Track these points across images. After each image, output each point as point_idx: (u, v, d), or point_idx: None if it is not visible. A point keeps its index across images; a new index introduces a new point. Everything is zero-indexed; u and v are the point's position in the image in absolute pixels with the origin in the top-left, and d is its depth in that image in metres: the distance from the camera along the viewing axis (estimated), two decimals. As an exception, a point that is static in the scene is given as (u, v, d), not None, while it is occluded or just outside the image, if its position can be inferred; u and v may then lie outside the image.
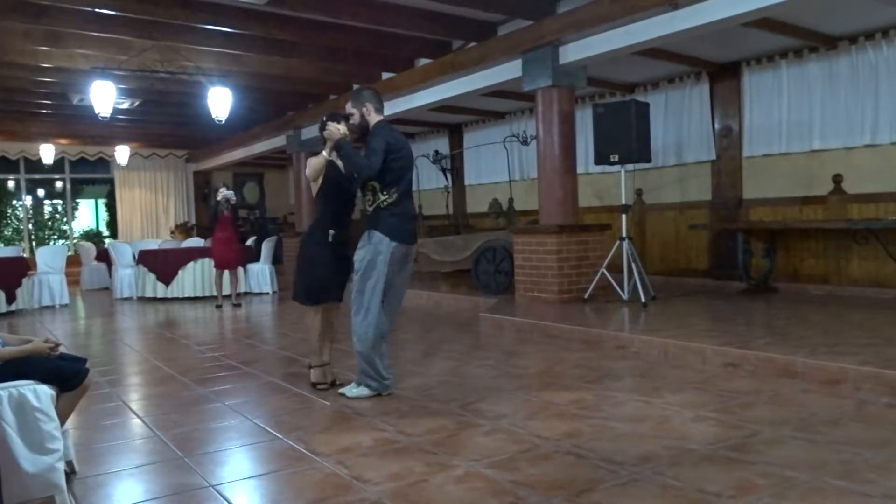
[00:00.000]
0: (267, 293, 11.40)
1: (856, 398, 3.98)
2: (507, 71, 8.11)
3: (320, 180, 4.59)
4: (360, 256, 4.35)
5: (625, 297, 7.41)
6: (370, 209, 4.37)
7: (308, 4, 7.26)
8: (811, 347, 4.83)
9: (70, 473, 3.05)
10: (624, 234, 7.52)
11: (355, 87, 4.79)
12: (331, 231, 4.57)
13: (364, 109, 4.47)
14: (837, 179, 7.87)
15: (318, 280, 4.61)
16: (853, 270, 7.73)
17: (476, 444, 3.38)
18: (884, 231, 6.98)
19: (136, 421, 4.14)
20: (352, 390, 4.43)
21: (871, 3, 6.52)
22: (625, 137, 7.28)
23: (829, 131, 7.89)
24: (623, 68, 8.90)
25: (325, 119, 4.56)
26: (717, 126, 9.09)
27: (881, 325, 5.78)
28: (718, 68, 8.90)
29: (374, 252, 4.30)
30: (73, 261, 13.57)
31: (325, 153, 4.52)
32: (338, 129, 4.42)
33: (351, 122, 4.49)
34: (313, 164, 4.58)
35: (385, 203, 4.33)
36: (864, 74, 7.55)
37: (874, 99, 7.47)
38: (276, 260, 12.33)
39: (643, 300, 7.16)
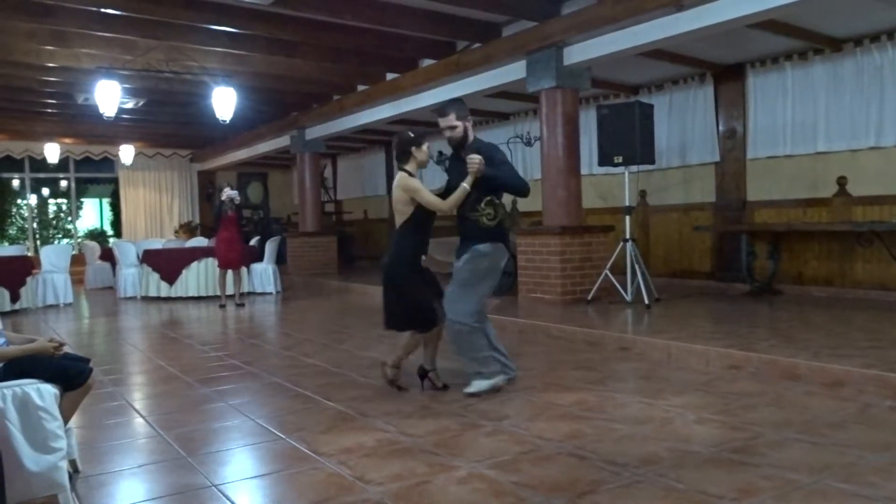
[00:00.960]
0: (270, 293, 11.41)
1: (859, 401, 3.97)
2: (512, 72, 8.11)
3: (411, 206, 4.33)
4: (484, 265, 4.33)
5: (628, 298, 7.40)
6: (491, 223, 4.31)
7: (312, 4, 7.28)
8: (815, 350, 4.82)
9: (73, 472, 3.05)
10: (627, 236, 7.52)
11: (458, 98, 4.79)
12: (423, 257, 4.50)
13: (468, 123, 4.44)
14: (842, 181, 7.86)
15: (429, 305, 4.39)
16: (857, 273, 7.71)
17: (478, 445, 3.37)
18: (888, 233, 6.97)
19: (140, 420, 4.15)
20: (477, 384, 4.32)
21: (875, 5, 6.51)
22: (629, 139, 7.28)
23: (833, 133, 7.87)
24: (627, 70, 8.90)
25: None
26: (721, 128, 9.08)
27: (885, 327, 5.76)
28: (723, 70, 8.89)
29: (495, 263, 4.38)
30: (78, 260, 13.60)
31: (466, 185, 4.18)
32: (482, 160, 4.16)
33: (451, 134, 4.41)
34: (458, 199, 4.23)
35: (504, 217, 4.41)
36: (868, 77, 7.53)
37: (879, 101, 7.45)
38: (280, 260, 12.34)
39: (647, 302, 7.15)
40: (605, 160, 7.53)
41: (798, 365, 4.51)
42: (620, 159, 7.34)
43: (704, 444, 3.31)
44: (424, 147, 4.36)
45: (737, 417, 3.73)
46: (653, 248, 9.88)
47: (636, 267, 7.36)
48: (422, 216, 4.35)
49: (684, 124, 9.44)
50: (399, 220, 4.37)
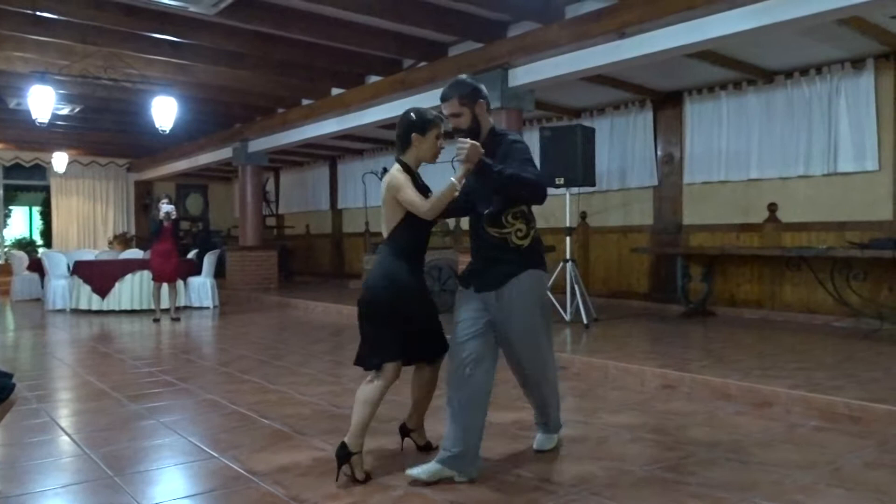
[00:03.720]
0: (208, 307, 11.16)
1: (786, 421, 4.10)
2: (487, 107, 8.17)
3: (401, 210, 3.25)
4: (529, 302, 3.31)
5: (567, 318, 7.50)
6: (523, 241, 3.29)
7: (259, 16, 7.20)
8: (745, 371, 4.97)
9: (-9, 493, 2.92)
10: (568, 256, 7.63)
11: (465, 77, 3.43)
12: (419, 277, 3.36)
13: (478, 109, 3.32)
14: (772, 208, 8.15)
15: (433, 321, 3.42)
16: (786, 296, 7.99)
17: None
18: (814, 259, 7.25)
19: (65, 438, 3.99)
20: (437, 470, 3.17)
21: (805, 41, 6.81)
22: (571, 161, 7.41)
23: (765, 161, 8.17)
24: (570, 93, 9.07)
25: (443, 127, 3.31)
26: (659, 153, 9.33)
27: (811, 349, 5.98)
28: (662, 97, 9.15)
29: (536, 295, 3.35)
30: (4, 270, 13.08)
31: (455, 180, 3.12)
32: (474, 145, 3.10)
33: (456, 124, 3.33)
34: (442, 199, 3.14)
35: (537, 233, 3.41)
36: (798, 108, 7.86)
37: (807, 132, 7.77)
38: (219, 274, 12.10)
39: (585, 321, 7.26)
40: (546, 181, 7.63)
41: (729, 385, 4.64)
42: (562, 181, 7.46)
43: (638, 462, 3.37)
44: (431, 136, 3.27)
45: (670, 436, 3.80)
46: (592, 269, 10.05)
47: (576, 287, 7.47)
48: (417, 221, 3.24)
49: (624, 148, 9.66)
50: (387, 229, 3.30)
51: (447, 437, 3.19)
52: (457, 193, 3.16)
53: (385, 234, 3.32)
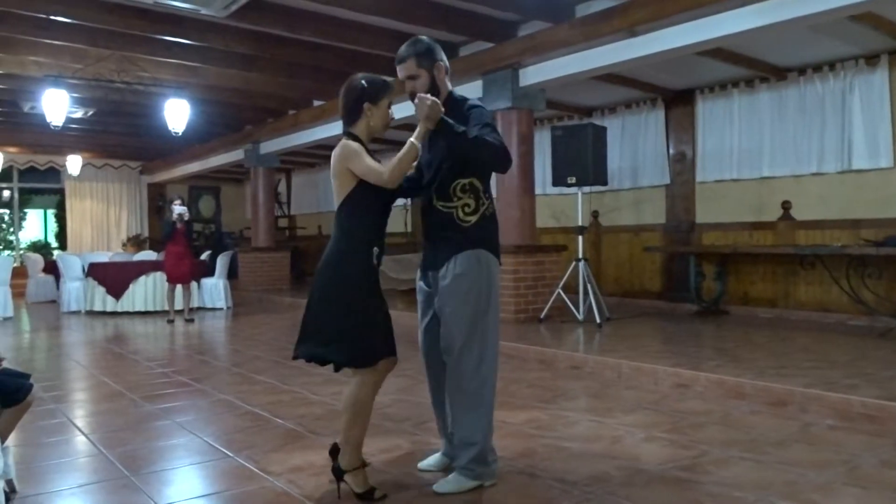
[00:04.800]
0: (221, 308, 11.21)
1: (801, 420, 4.07)
2: (468, 91, 8.12)
3: (353, 180, 2.92)
4: (464, 286, 2.98)
5: (580, 317, 7.49)
6: (469, 218, 3.01)
7: (269, 18, 7.23)
8: (759, 370, 4.94)
9: (10, 493, 2.94)
10: (580, 256, 7.61)
11: (422, 37, 3.20)
12: (375, 249, 2.95)
13: (435, 71, 3.06)
14: (786, 206, 8.10)
15: (384, 320, 3.01)
16: (800, 295, 7.94)
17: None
18: (829, 257, 7.21)
19: (81, 438, 4.02)
20: (460, 482, 3.01)
21: (817, 37, 6.77)
22: (582, 160, 7.40)
23: (778, 159, 8.13)
24: (581, 92, 9.06)
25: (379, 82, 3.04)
26: (671, 151, 9.29)
27: (826, 348, 5.94)
28: (673, 95, 9.11)
29: (487, 277, 3.03)
30: (19, 272, 13.17)
31: (414, 139, 2.87)
32: (435, 101, 2.84)
33: (412, 88, 3.05)
34: (403, 162, 2.86)
35: (490, 210, 3.09)
36: (811, 105, 7.81)
37: (820, 129, 7.72)
38: (232, 275, 12.16)
39: (598, 321, 7.24)
40: (558, 181, 7.64)
41: (743, 384, 4.62)
42: (574, 180, 7.46)
43: (653, 462, 3.36)
44: (383, 104, 3.00)
45: (684, 436, 3.79)
46: (604, 268, 10.03)
47: (588, 286, 7.46)
48: (371, 193, 2.92)
49: (636, 147, 9.64)
50: (336, 203, 2.99)
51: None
52: (419, 155, 2.90)
53: (336, 210, 3.01)
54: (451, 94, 3.13)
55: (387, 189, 2.92)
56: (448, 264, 3.00)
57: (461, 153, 2.93)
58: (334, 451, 2.98)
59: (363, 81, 3.00)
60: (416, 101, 2.87)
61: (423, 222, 3.19)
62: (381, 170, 2.86)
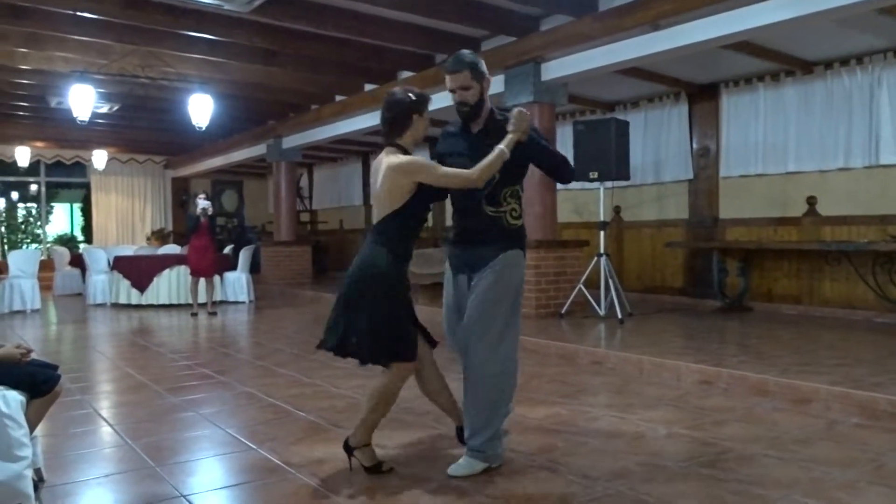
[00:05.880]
0: (243, 302, 11.31)
1: (826, 417, 4.03)
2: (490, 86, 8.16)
3: (407, 195, 3.08)
4: (504, 281, 3.16)
5: (601, 313, 7.45)
6: (515, 222, 3.23)
7: (292, 14, 7.27)
8: (783, 367, 4.89)
9: (38, 481, 2.99)
10: (602, 251, 7.58)
11: (468, 52, 3.29)
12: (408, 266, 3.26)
13: (485, 84, 3.21)
14: (811, 201, 8.00)
15: (412, 321, 3.26)
16: (825, 291, 7.84)
17: (450, 458, 3.36)
18: (855, 253, 7.11)
19: (107, 429, 4.08)
20: (471, 464, 3.17)
21: (844, 31, 6.67)
22: (604, 155, 7.36)
23: (803, 154, 8.02)
24: (604, 87, 9.00)
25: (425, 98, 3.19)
26: (695, 146, 9.21)
27: (851, 345, 5.87)
28: (697, 89, 9.02)
29: (521, 275, 3.28)
30: (46, 265, 13.38)
31: (504, 147, 3.04)
32: (528, 114, 3.14)
33: (463, 98, 3.17)
34: (492, 166, 3.02)
35: (523, 214, 3.34)
36: (838, 99, 7.69)
37: (847, 123, 7.61)
38: (254, 269, 12.25)
39: (619, 316, 7.21)
40: (580, 175, 7.58)
41: (767, 381, 4.57)
42: (596, 175, 7.42)
43: (674, 458, 3.34)
44: (426, 114, 3.20)
45: (707, 432, 3.76)
46: (626, 264, 9.96)
47: (610, 282, 7.42)
48: (419, 208, 3.17)
49: (659, 142, 9.56)
50: (382, 213, 3.15)
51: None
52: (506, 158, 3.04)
53: (378, 219, 3.17)
54: (491, 108, 3.30)
55: (434, 200, 3.21)
56: (493, 264, 3.15)
57: (543, 164, 3.27)
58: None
59: (410, 94, 3.16)
60: (515, 113, 3.09)
61: (463, 226, 3.29)
62: (467, 174, 3.03)
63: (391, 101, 3.17)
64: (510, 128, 3.07)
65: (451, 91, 3.19)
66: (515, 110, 3.10)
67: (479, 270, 3.17)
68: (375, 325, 3.07)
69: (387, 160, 3.11)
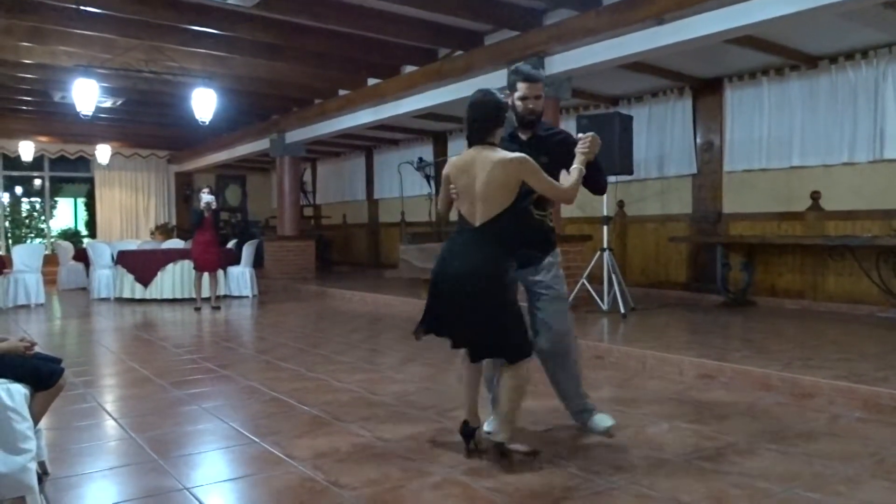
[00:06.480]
0: (247, 297, 11.33)
1: (829, 412, 4.03)
2: (493, 80, 8.13)
3: (513, 193, 3.23)
4: (559, 274, 3.60)
5: (604, 307, 7.45)
6: (552, 224, 3.65)
7: (295, 8, 7.26)
8: (786, 361, 4.89)
9: (42, 474, 3.01)
10: (605, 245, 7.57)
11: (520, 65, 3.66)
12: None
13: (544, 96, 3.55)
14: (815, 196, 7.98)
15: (525, 327, 3.38)
16: (829, 286, 7.83)
17: (453, 451, 3.37)
18: (859, 248, 7.09)
19: (111, 422, 4.10)
20: (605, 420, 3.64)
21: (849, 25, 6.64)
22: (608, 149, 7.30)
23: (808, 148, 8.00)
24: (607, 81, 8.98)
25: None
26: (698, 140, 9.19)
27: (855, 340, 5.86)
28: (701, 83, 9.00)
29: (560, 268, 3.67)
30: (50, 260, 13.40)
31: (581, 166, 3.36)
32: (599, 141, 3.46)
33: (534, 106, 3.46)
34: (578, 184, 3.33)
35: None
36: (843, 94, 7.67)
37: (852, 118, 7.58)
38: (258, 263, 12.27)
39: (623, 311, 7.20)
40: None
41: (770, 376, 4.57)
42: (599, 169, 7.40)
43: (677, 452, 3.35)
44: (591, 135, 3.44)
45: (709, 426, 3.77)
46: (629, 258, 9.96)
47: (613, 276, 7.42)
48: (522, 205, 3.35)
49: (663, 136, 9.54)
50: (492, 210, 3.20)
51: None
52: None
53: (485, 218, 3.22)
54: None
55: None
56: (546, 261, 3.53)
57: (591, 177, 3.45)
58: (470, 432, 3.33)
59: (502, 95, 3.33)
60: (591, 139, 3.40)
61: (523, 231, 3.44)
62: (565, 189, 3.31)
63: (485, 100, 3.25)
64: (583, 150, 3.36)
65: (523, 98, 3.43)
66: (591, 136, 3.39)
67: (526, 268, 3.47)
68: (502, 324, 3.19)
69: (497, 155, 3.18)
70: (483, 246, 3.22)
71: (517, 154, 3.19)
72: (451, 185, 3.34)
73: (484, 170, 3.18)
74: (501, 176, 3.16)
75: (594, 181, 3.52)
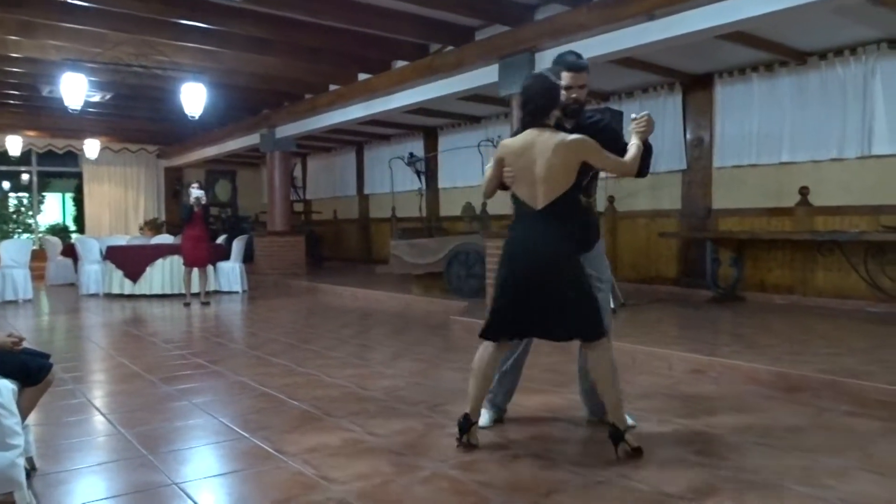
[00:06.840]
0: (237, 292, 11.30)
1: (816, 406, 4.05)
2: (484, 76, 8.14)
3: (574, 174, 3.26)
4: (606, 262, 3.74)
5: (595, 303, 7.46)
6: (594, 209, 3.72)
7: (286, 3, 7.23)
8: (775, 356, 4.92)
9: (30, 470, 3.00)
10: (595, 241, 7.57)
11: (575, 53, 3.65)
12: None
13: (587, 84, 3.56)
14: (804, 192, 8.02)
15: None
16: (818, 281, 7.87)
17: (443, 446, 3.38)
18: (848, 243, 7.13)
19: (100, 418, 4.08)
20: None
21: (839, 21, 6.67)
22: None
23: (797, 144, 8.03)
24: (598, 76, 8.96)
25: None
26: (688, 136, 9.21)
27: (843, 335, 5.90)
28: (691, 79, 9.02)
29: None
30: (38, 255, 13.32)
31: (638, 142, 3.43)
32: (653, 121, 3.49)
33: (578, 95, 3.52)
34: (639, 159, 3.40)
35: None
36: (832, 90, 7.70)
37: (842, 114, 7.62)
38: (248, 259, 12.23)
39: (613, 306, 7.18)
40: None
41: (758, 370, 4.60)
42: (590, 165, 7.41)
43: (666, 446, 3.36)
44: (647, 117, 3.52)
45: (698, 420, 3.79)
46: (620, 254, 9.98)
47: (603, 272, 7.42)
48: (579, 189, 3.37)
49: (653, 132, 9.53)
50: (554, 192, 3.22)
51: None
52: None
53: (547, 201, 3.23)
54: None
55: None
56: (597, 247, 3.63)
57: (642, 158, 3.45)
58: (468, 426, 3.34)
59: (555, 78, 3.34)
60: (646, 119, 3.46)
61: (585, 217, 3.55)
62: (624, 161, 3.35)
63: (542, 83, 3.29)
64: (638, 129, 3.43)
65: (567, 88, 3.42)
66: (646, 115, 3.45)
67: (586, 251, 3.51)
68: (583, 304, 3.22)
69: (557, 137, 3.21)
70: (551, 226, 3.24)
71: (577, 135, 3.23)
72: (507, 168, 3.34)
73: (545, 152, 3.19)
74: (564, 157, 3.19)
75: (643, 162, 3.49)
